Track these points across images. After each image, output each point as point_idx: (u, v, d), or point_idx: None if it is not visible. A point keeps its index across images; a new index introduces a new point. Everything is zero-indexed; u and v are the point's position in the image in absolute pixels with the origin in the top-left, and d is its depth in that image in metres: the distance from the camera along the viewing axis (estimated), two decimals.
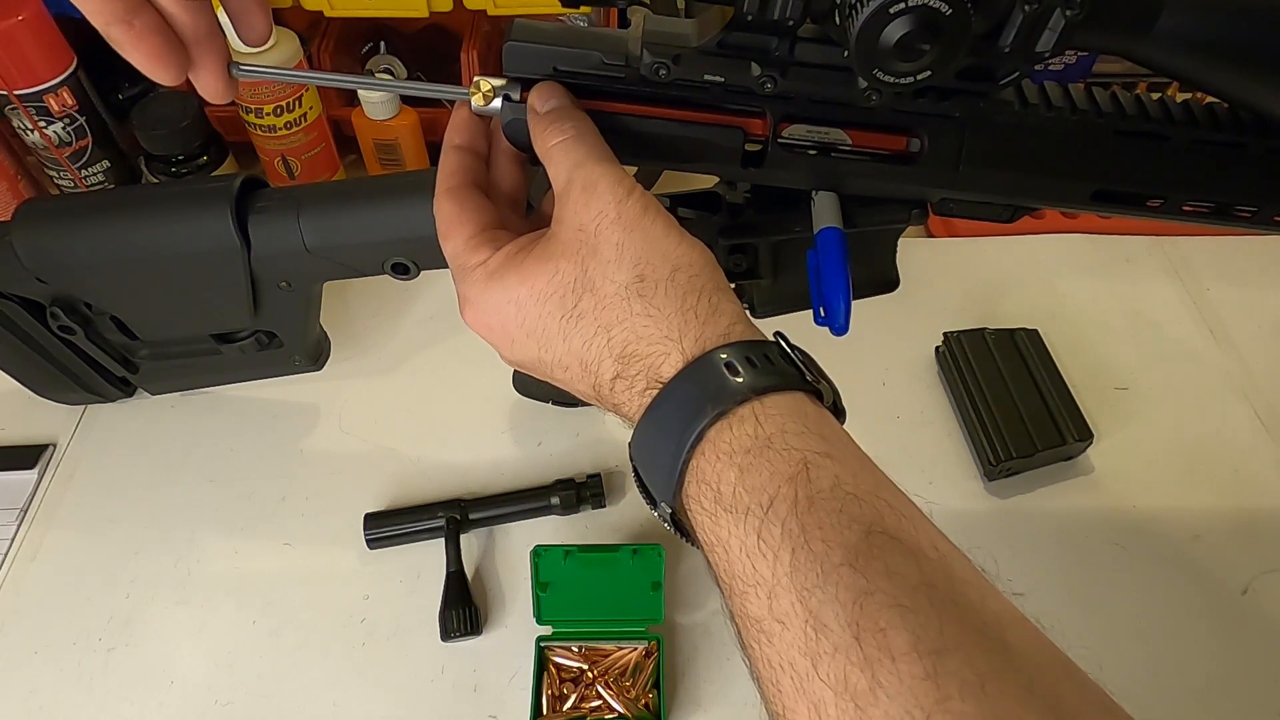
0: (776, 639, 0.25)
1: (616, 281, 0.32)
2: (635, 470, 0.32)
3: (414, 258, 0.47)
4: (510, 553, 0.54)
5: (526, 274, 0.34)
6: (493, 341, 0.36)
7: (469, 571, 0.52)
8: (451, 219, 0.36)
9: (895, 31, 0.30)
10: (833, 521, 0.26)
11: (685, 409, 0.29)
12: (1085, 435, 0.56)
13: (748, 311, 0.50)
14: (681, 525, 0.31)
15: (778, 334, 0.33)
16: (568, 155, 0.34)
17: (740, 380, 0.29)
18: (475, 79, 0.37)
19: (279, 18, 0.64)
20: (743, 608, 0.27)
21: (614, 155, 0.35)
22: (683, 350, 0.31)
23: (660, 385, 0.30)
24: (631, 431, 0.32)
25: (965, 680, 0.22)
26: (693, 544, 0.30)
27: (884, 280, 0.48)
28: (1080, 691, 0.24)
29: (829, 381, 0.32)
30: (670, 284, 0.32)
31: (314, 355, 0.56)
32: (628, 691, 0.48)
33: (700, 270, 0.33)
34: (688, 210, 0.46)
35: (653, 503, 0.32)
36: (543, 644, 0.49)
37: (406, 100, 0.69)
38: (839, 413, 0.32)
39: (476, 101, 0.37)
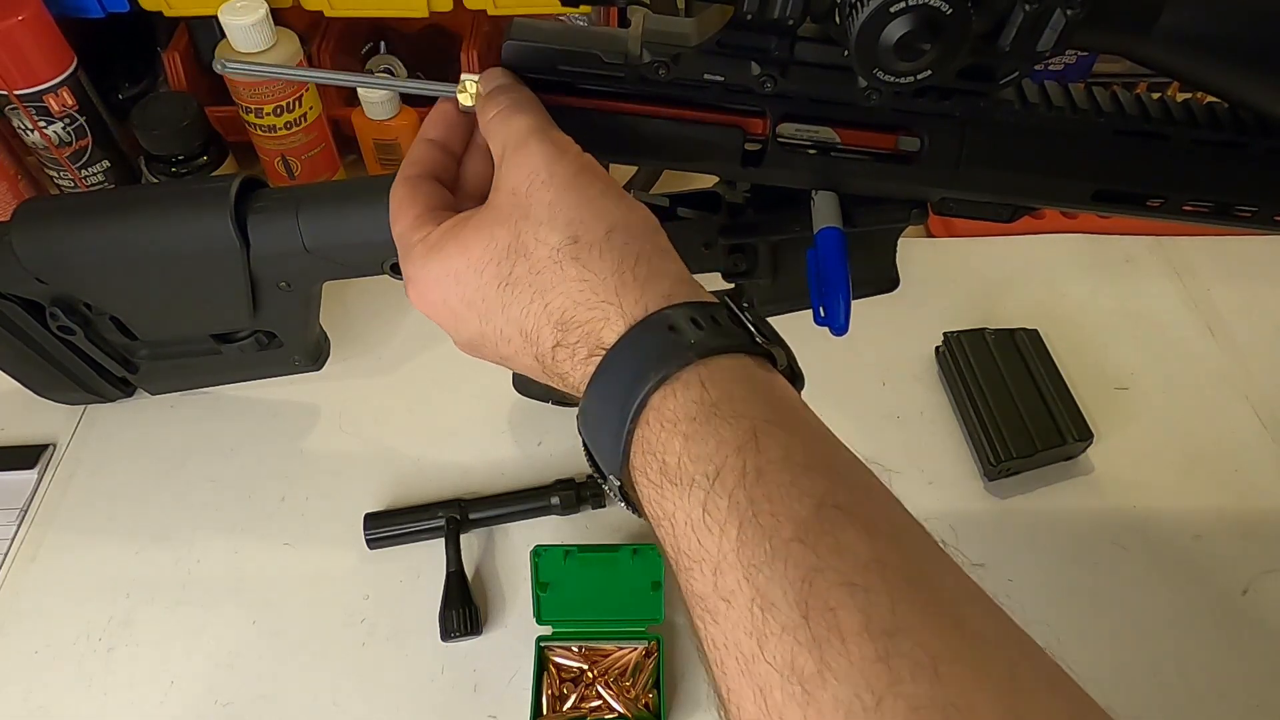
0: (722, 618, 0.24)
1: (549, 244, 0.31)
2: (585, 444, 0.31)
3: None
4: (510, 553, 0.54)
5: (463, 244, 0.33)
6: (439, 320, 0.35)
7: (469, 571, 0.52)
8: (401, 201, 0.36)
9: (895, 31, 0.30)
10: (783, 494, 0.24)
11: (628, 375, 0.28)
12: (1085, 435, 0.56)
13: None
14: (631, 500, 0.30)
15: (725, 294, 0.31)
16: (504, 125, 0.34)
17: (684, 342, 0.27)
18: (463, 77, 0.37)
19: (279, 18, 0.64)
20: (689, 584, 0.25)
21: (554, 123, 0.34)
22: (623, 314, 0.29)
23: (603, 352, 0.29)
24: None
25: (917, 662, 0.21)
26: (642, 518, 0.29)
27: (884, 280, 0.48)
28: (1035, 669, 0.23)
29: (783, 345, 0.31)
30: (606, 245, 0.30)
31: (314, 355, 0.56)
32: (628, 691, 0.48)
33: (639, 230, 0.32)
34: (688, 210, 0.46)
35: (602, 476, 0.31)
36: (543, 644, 0.49)
37: (406, 100, 0.69)
38: (796, 378, 0.31)
39: (464, 100, 0.37)
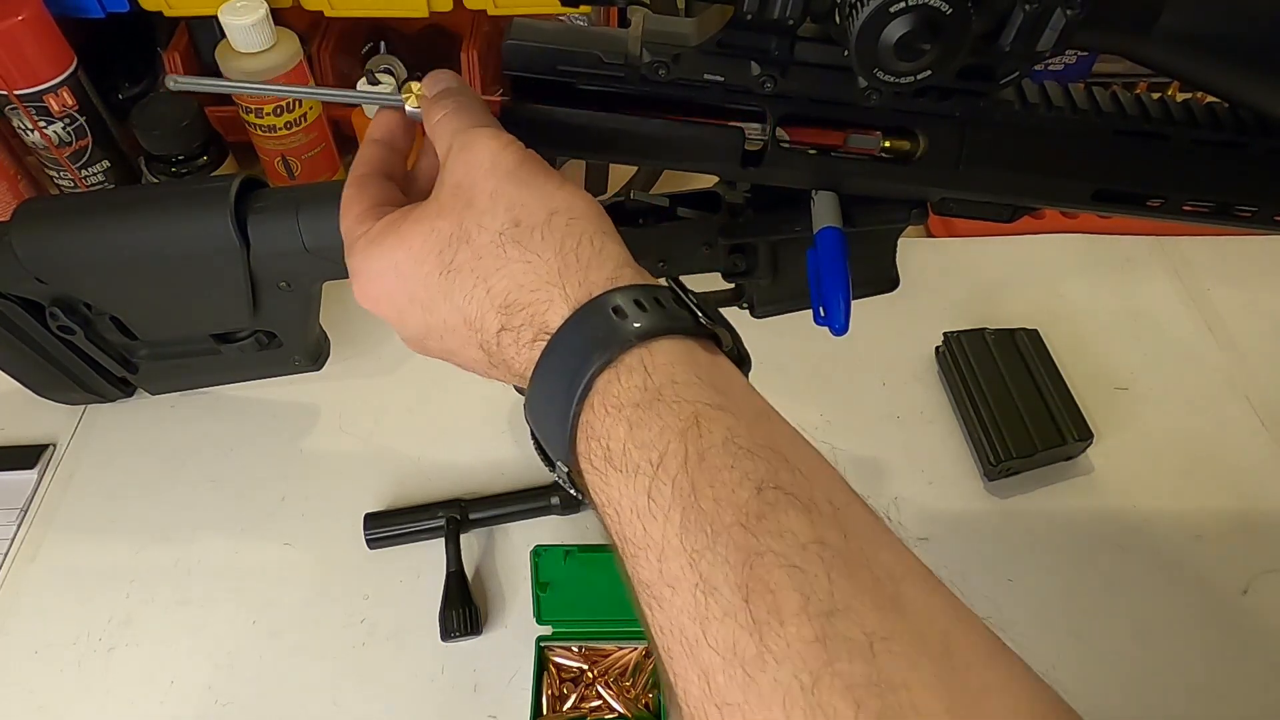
0: (667, 604, 0.24)
1: (490, 229, 0.31)
2: (532, 432, 0.31)
3: None
4: (510, 553, 0.54)
5: (404, 236, 0.33)
6: (384, 315, 0.35)
7: (469, 571, 0.52)
8: (348, 199, 0.36)
9: (895, 31, 0.30)
10: (724, 478, 0.24)
11: (572, 358, 0.28)
12: (1085, 435, 0.56)
13: (748, 312, 0.50)
14: (580, 487, 0.29)
15: (671, 278, 0.31)
16: (448, 125, 0.34)
17: (628, 324, 0.27)
18: (406, 82, 0.37)
19: (279, 18, 0.64)
20: (635, 572, 0.25)
21: (497, 122, 0.35)
22: (566, 296, 0.29)
23: (548, 336, 0.29)
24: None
25: (854, 641, 0.21)
26: (590, 504, 0.29)
27: (884, 280, 0.48)
28: (973, 643, 0.23)
29: (728, 327, 0.31)
30: (547, 228, 0.31)
31: (314, 355, 0.56)
32: (628, 691, 0.48)
33: (582, 214, 0.32)
34: (688, 210, 0.46)
35: (550, 464, 0.31)
36: (543, 644, 0.49)
37: None
38: (742, 361, 0.31)
39: (410, 105, 0.37)
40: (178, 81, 0.37)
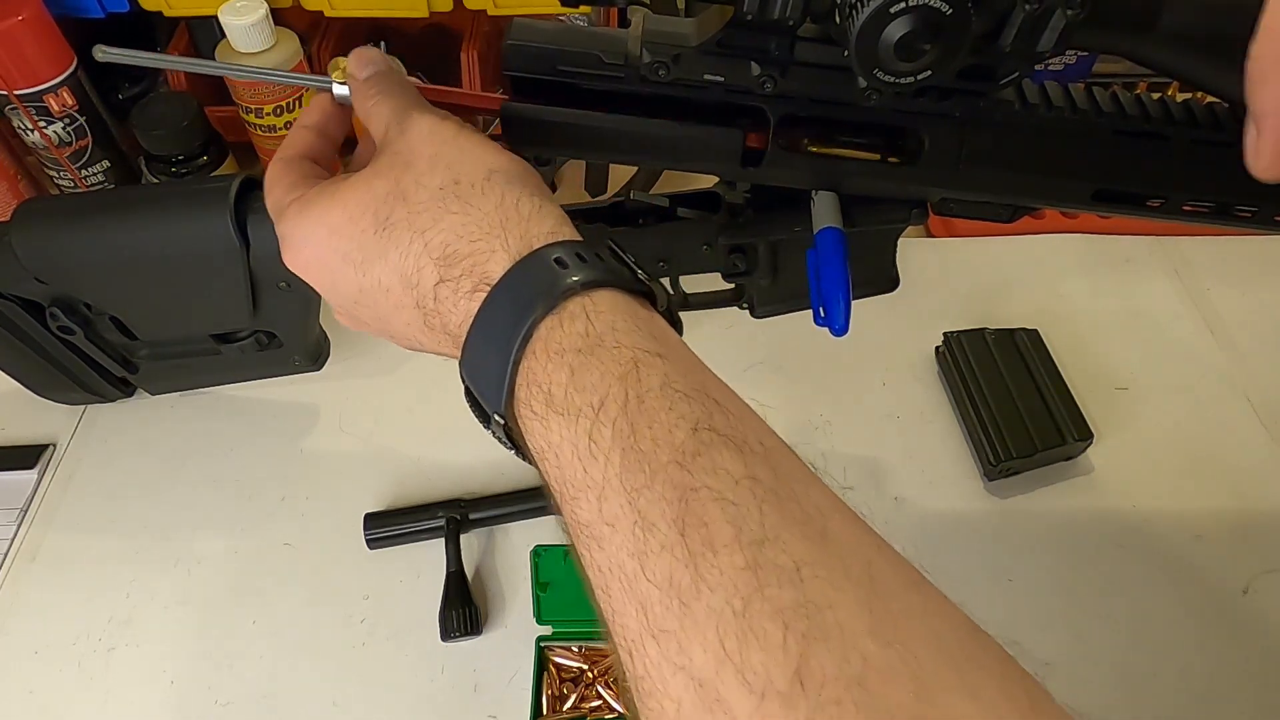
0: (606, 542, 0.25)
1: (429, 186, 0.32)
2: (466, 387, 0.31)
3: None
4: (510, 553, 0.54)
5: (339, 198, 0.33)
6: (315, 280, 0.35)
7: (469, 571, 0.52)
8: (274, 176, 0.37)
9: (896, 31, 0.30)
10: (662, 420, 0.25)
11: (514, 306, 0.28)
12: (1085, 435, 0.56)
13: (748, 312, 0.50)
14: (515, 439, 0.30)
15: (609, 239, 0.32)
16: (383, 105, 0.35)
17: (570, 274, 0.28)
18: (333, 60, 0.38)
19: (279, 18, 0.64)
20: (574, 514, 0.26)
21: (430, 104, 0.36)
22: (507, 246, 0.30)
23: (488, 286, 0.29)
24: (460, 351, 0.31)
25: (782, 567, 0.22)
26: (525, 458, 0.29)
27: (884, 280, 0.48)
28: (895, 572, 0.24)
29: (664, 289, 0.32)
30: (487, 184, 0.31)
31: (314, 355, 0.56)
32: (628, 692, 0.48)
33: (520, 175, 0.32)
34: (688, 210, 0.46)
35: (485, 420, 0.31)
36: (543, 644, 0.49)
37: None
38: (675, 324, 0.32)
39: (337, 80, 0.37)
40: (105, 52, 0.37)
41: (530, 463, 0.29)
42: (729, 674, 0.21)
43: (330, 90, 0.38)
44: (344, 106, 0.39)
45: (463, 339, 0.30)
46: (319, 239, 0.34)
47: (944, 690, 0.20)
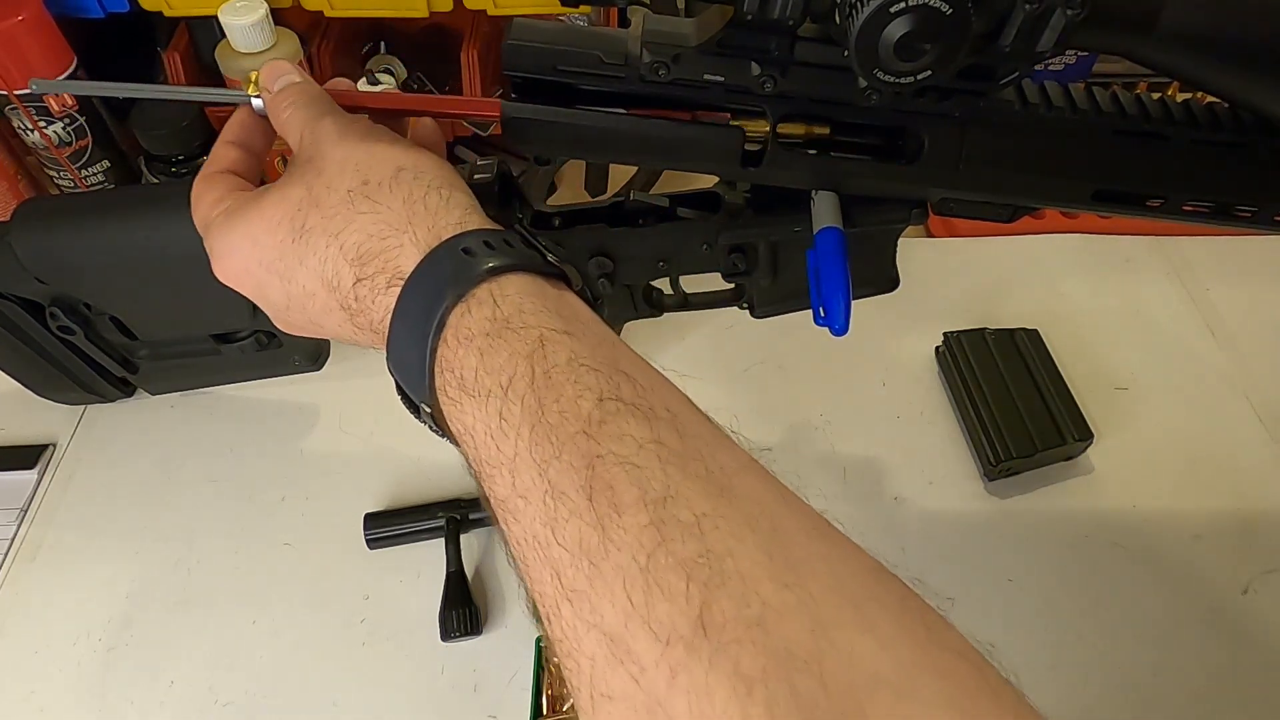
0: (521, 515, 0.25)
1: (339, 190, 0.32)
2: (396, 382, 0.32)
3: None
4: None
5: (259, 208, 0.34)
6: (246, 291, 0.36)
7: (469, 571, 0.52)
8: (199, 193, 0.37)
9: (896, 31, 0.30)
10: (568, 393, 0.26)
11: (426, 297, 0.29)
12: (1085, 435, 0.56)
13: (748, 312, 0.50)
14: (443, 427, 0.31)
15: (519, 224, 0.33)
16: (297, 115, 0.36)
17: (477, 262, 0.29)
18: (250, 74, 0.38)
19: (279, 18, 0.64)
20: (492, 491, 0.27)
21: (341, 110, 0.36)
22: (416, 240, 0.30)
23: (402, 280, 0.30)
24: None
25: (685, 522, 0.23)
26: (453, 442, 0.30)
27: (884, 280, 0.48)
28: (802, 525, 0.24)
29: (576, 271, 0.32)
30: (395, 181, 0.32)
31: (313, 355, 0.56)
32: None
33: (429, 169, 0.33)
34: (688, 210, 0.46)
35: (415, 410, 0.31)
36: (543, 644, 0.49)
37: None
38: (595, 303, 0.32)
39: (252, 93, 0.38)
40: (38, 84, 0.39)
41: (458, 448, 0.30)
42: (637, 626, 0.22)
43: (249, 104, 0.38)
44: (265, 119, 0.39)
45: (386, 334, 0.31)
46: (244, 250, 0.34)
47: (840, 626, 0.21)
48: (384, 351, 0.31)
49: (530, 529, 0.25)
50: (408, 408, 0.32)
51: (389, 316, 0.30)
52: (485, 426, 0.27)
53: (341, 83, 0.40)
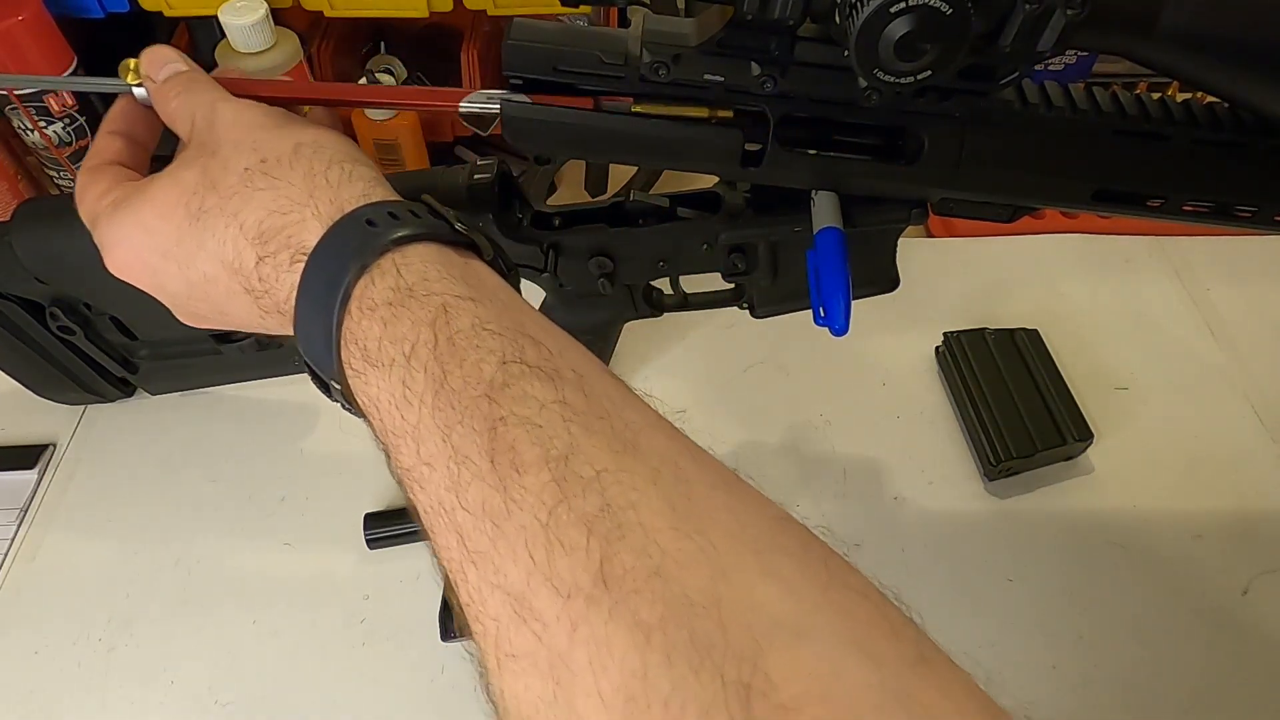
0: (427, 482, 0.25)
1: (236, 170, 0.31)
2: (306, 363, 0.31)
3: None
4: None
5: (149, 195, 0.33)
6: (142, 283, 0.35)
7: None
8: (83, 187, 0.36)
9: (896, 31, 0.30)
10: (471, 358, 0.26)
11: (330, 271, 0.29)
12: (1085, 435, 0.56)
13: (748, 312, 0.50)
14: (353, 402, 0.30)
15: (425, 196, 0.32)
16: (187, 102, 0.35)
17: (381, 233, 0.29)
18: (123, 61, 0.37)
19: (279, 18, 0.64)
20: (398, 460, 0.27)
21: (231, 95, 0.35)
22: (319, 214, 0.30)
23: (305, 255, 0.29)
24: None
25: (585, 479, 0.23)
26: (361, 416, 0.30)
27: (884, 280, 0.48)
28: (705, 474, 0.24)
29: (489, 239, 0.32)
30: (294, 157, 0.31)
31: None
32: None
33: (329, 144, 0.32)
34: (688, 210, 0.46)
35: (326, 388, 0.31)
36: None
37: None
38: (509, 272, 0.32)
39: (131, 81, 0.37)
40: None
41: (366, 423, 0.29)
42: (539, 583, 0.22)
43: (130, 93, 0.37)
44: (150, 108, 0.38)
45: (292, 312, 0.30)
46: (135, 239, 0.33)
47: (740, 570, 0.21)
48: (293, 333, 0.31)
49: (436, 496, 0.25)
50: (319, 388, 0.32)
51: (294, 294, 0.30)
52: (390, 396, 0.27)
53: (231, 71, 0.39)
